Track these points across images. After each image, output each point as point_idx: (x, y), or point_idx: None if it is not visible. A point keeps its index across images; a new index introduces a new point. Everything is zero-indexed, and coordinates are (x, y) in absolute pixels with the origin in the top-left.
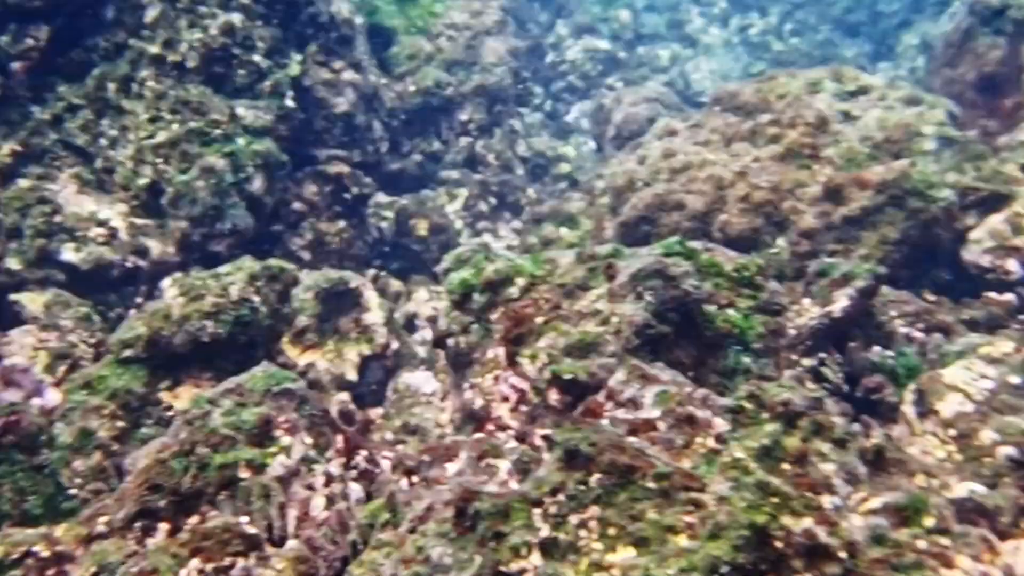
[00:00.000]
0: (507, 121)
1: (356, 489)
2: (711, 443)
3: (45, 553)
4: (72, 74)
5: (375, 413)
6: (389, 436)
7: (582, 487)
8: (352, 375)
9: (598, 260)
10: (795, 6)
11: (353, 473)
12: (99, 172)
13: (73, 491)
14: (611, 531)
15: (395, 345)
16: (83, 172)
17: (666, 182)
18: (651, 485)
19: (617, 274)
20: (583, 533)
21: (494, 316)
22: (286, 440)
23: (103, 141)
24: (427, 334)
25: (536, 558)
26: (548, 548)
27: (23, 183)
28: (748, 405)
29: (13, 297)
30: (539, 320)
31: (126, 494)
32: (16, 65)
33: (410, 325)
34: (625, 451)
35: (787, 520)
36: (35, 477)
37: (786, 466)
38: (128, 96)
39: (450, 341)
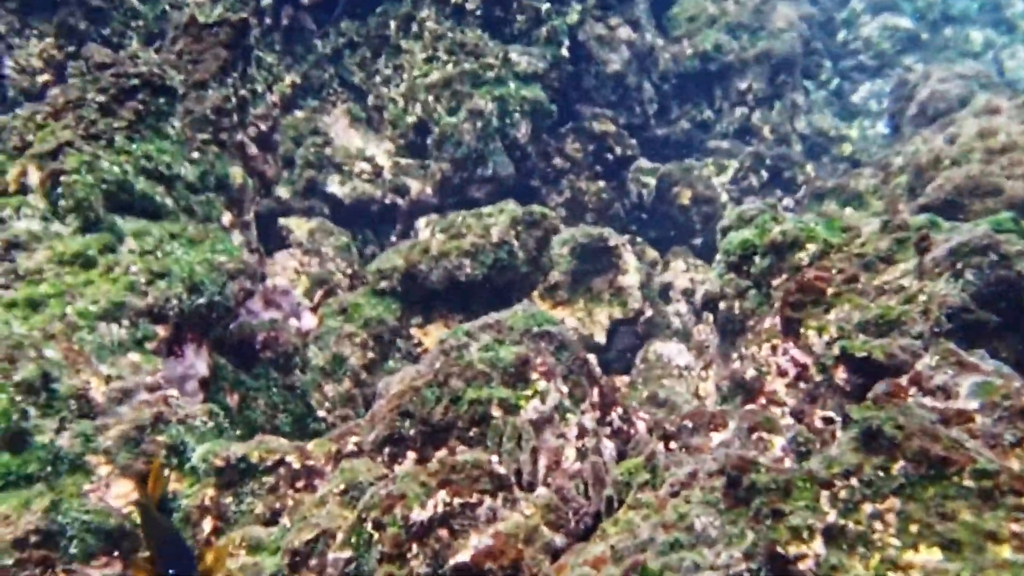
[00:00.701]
0: (789, 94)
1: (609, 447)
2: None
3: (297, 465)
4: (356, 11)
5: (621, 381)
6: (635, 406)
7: (881, 474)
8: (601, 337)
9: (910, 231)
10: None
11: (607, 430)
12: (370, 109)
13: (322, 414)
14: (913, 528)
15: (649, 312)
16: (355, 108)
17: (981, 163)
18: (969, 483)
19: (932, 247)
20: (878, 525)
21: (776, 282)
22: (542, 384)
23: (377, 79)
24: (682, 307)
25: (818, 545)
26: (834, 535)
27: (299, 114)
28: None
29: (282, 221)
30: (830, 291)
31: (377, 417)
32: None
33: (664, 296)
34: (939, 440)
35: None
36: (287, 396)
37: None
38: (407, 36)
39: (722, 305)
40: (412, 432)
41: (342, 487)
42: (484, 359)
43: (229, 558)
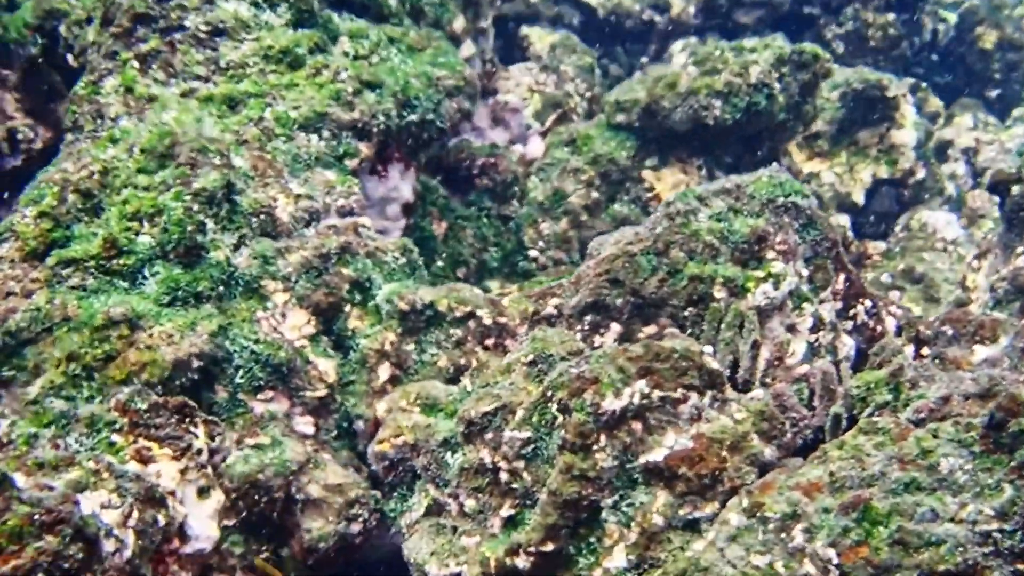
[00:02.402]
0: None
1: (848, 344)
2: None
3: (488, 320)
4: None
5: (875, 248)
6: (885, 278)
7: None
8: (859, 197)
9: None
10: None
11: (848, 324)
12: None
13: (533, 253)
14: None
15: (920, 174)
16: None
17: None
18: None
19: None
20: None
21: None
22: (778, 266)
23: None
24: (959, 168)
25: None
26: None
27: None
28: None
29: (523, 31)
30: None
31: (583, 280)
32: None
33: (940, 155)
34: None
35: None
36: (500, 228)
37: None
38: None
39: (1015, 189)
40: (619, 302)
41: (530, 357)
42: (714, 230)
43: (402, 413)
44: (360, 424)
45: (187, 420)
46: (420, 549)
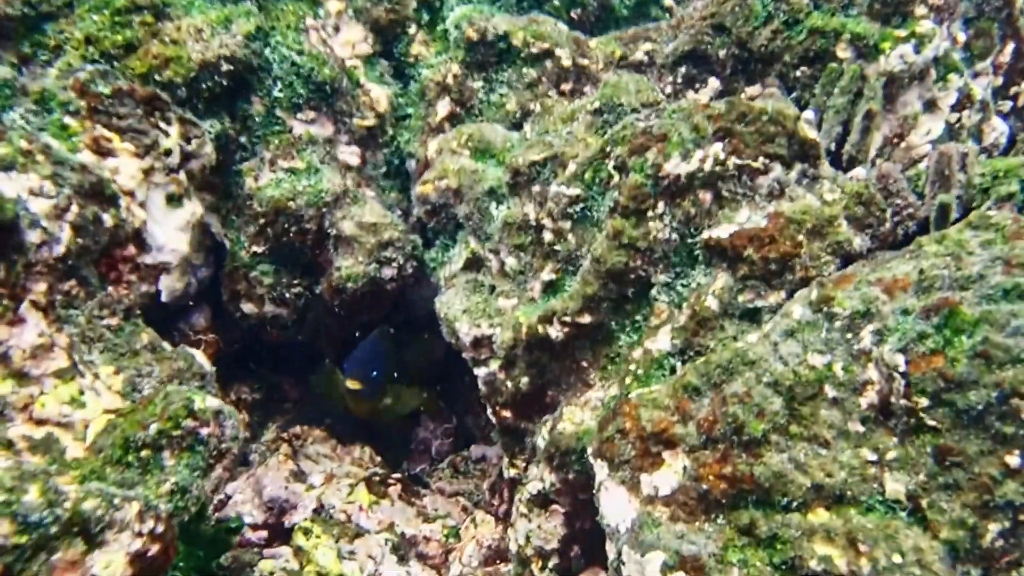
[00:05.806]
0: None
1: (999, 129)
2: None
3: (567, 62)
4: None
5: None
6: None
7: None
8: None
9: None
10: None
11: (1007, 105)
12: None
13: (668, 2)
14: None
15: None
16: None
17: None
18: None
19: None
20: None
21: None
22: (925, 25)
23: None
24: None
25: None
26: None
27: None
28: None
29: None
30: None
31: (684, 25)
32: None
33: None
34: None
35: None
36: None
37: None
38: None
39: None
40: (722, 54)
41: (596, 105)
42: None
43: (451, 155)
44: (412, 164)
45: (157, 114)
46: (453, 305)
